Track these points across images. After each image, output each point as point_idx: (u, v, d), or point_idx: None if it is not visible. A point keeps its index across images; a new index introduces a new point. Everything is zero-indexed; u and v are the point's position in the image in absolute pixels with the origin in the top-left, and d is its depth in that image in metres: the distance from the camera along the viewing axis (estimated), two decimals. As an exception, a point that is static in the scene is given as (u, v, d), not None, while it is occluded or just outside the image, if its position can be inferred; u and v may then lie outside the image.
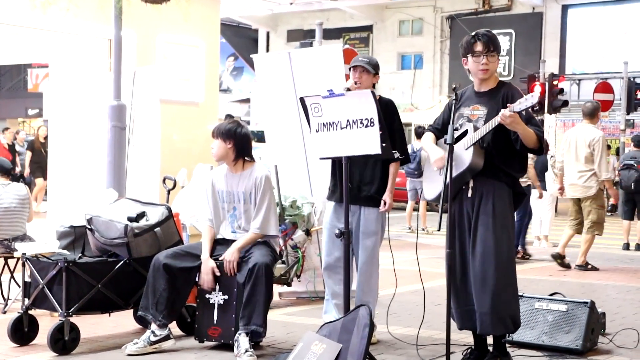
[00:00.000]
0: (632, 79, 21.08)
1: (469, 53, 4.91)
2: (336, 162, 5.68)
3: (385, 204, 5.59)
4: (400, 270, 7.83)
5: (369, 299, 5.61)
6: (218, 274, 5.48)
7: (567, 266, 9.87)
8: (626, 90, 20.37)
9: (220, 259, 5.51)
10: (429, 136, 5.14)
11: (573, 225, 9.94)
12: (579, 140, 9.76)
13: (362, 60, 5.74)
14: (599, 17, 25.54)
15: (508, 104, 4.70)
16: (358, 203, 5.59)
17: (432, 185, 5.04)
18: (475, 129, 4.81)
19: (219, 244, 5.68)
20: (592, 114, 9.78)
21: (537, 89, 18.27)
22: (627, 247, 12.34)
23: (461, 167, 4.79)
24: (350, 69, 5.76)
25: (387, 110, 5.40)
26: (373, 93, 4.85)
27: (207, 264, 5.49)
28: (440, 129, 5.08)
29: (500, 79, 5.07)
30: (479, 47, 4.86)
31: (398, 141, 5.58)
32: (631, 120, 22.06)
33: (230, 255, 5.46)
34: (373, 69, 5.67)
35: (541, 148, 4.84)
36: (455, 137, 4.82)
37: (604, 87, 20.25)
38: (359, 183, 5.61)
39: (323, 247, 5.83)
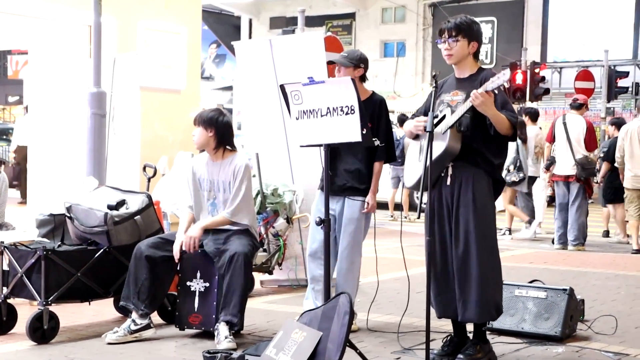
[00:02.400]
0: (612, 67, 21.18)
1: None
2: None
3: (368, 204, 5.65)
4: (382, 258, 7.84)
5: (350, 286, 5.63)
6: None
7: None
8: (607, 79, 20.47)
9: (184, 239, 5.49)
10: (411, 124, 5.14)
11: (637, 215, 10.46)
12: None
13: (341, 55, 5.79)
14: (580, 6, 25.62)
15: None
16: (343, 194, 5.63)
17: (412, 172, 5.04)
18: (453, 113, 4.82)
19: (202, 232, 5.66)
20: None
21: (519, 76, 18.36)
22: (606, 234, 12.43)
23: (438, 150, 4.79)
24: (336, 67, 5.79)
25: (380, 107, 5.65)
26: (353, 81, 4.84)
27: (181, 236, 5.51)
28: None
29: (482, 66, 5.06)
30: (442, 32, 4.90)
31: (384, 137, 5.66)
32: (611, 108, 22.19)
33: (193, 231, 5.46)
34: (350, 62, 5.70)
35: (515, 135, 4.85)
36: (435, 122, 4.84)
37: (585, 75, 20.35)
38: (344, 173, 5.63)
39: (309, 233, 5.86)
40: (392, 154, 5.78)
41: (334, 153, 5.44)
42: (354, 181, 5.65)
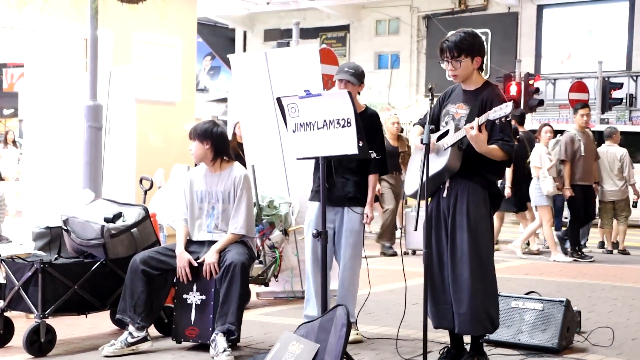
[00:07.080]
0: (606, 79, 21.26)
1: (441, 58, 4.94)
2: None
3: (367, 217, 5.71)
4: (377, 270, 7.86)
5: (351, 298, 5.69)
6: (195, 264, 5.48)
7: None
8: (601, 90, 20.53)
9: (199, 260, 5.50)
10: (416, 130, 5.14)
11: None
12: None
13: (347, 71, 5.75)
14: (574, 17, 25.74)
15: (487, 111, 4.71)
16: (342, 204, 5.65)
17: (412, 181, 5.05)
18: (457, 128, 4.82)
19: (196, 244, 5.66)
20: None
21: (513, 88, 18.43)
22: (602, 245, 12.44)
23: (438, 166, 4.81)
24: (334, 80, 5.79)
25: (375, 121, 5.72)
26: (350, 94, 4.86)
27: (183, 257, 5.48)
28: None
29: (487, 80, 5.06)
30: (443, 53, 4.87)
31: (379, 151, 5.72)
32: (606, 120, 22.23)
33: (210, 257, 5.44)
34: (358, 79, 5.74)
35: (510, 161, 4.86)
36: (439, 134, 4.87)
37: (579, 86, 20.41)
38: (342, 184, 5.65)
39: (310, 245, 5.79)
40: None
41: (333, 164, 5.48)
42: (356, 191, 5.68)
